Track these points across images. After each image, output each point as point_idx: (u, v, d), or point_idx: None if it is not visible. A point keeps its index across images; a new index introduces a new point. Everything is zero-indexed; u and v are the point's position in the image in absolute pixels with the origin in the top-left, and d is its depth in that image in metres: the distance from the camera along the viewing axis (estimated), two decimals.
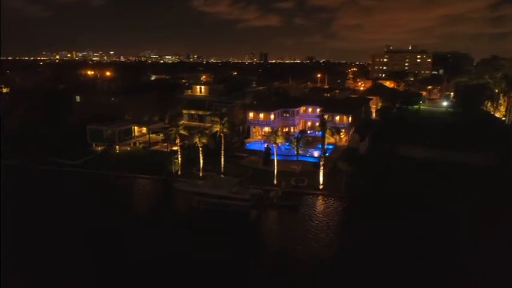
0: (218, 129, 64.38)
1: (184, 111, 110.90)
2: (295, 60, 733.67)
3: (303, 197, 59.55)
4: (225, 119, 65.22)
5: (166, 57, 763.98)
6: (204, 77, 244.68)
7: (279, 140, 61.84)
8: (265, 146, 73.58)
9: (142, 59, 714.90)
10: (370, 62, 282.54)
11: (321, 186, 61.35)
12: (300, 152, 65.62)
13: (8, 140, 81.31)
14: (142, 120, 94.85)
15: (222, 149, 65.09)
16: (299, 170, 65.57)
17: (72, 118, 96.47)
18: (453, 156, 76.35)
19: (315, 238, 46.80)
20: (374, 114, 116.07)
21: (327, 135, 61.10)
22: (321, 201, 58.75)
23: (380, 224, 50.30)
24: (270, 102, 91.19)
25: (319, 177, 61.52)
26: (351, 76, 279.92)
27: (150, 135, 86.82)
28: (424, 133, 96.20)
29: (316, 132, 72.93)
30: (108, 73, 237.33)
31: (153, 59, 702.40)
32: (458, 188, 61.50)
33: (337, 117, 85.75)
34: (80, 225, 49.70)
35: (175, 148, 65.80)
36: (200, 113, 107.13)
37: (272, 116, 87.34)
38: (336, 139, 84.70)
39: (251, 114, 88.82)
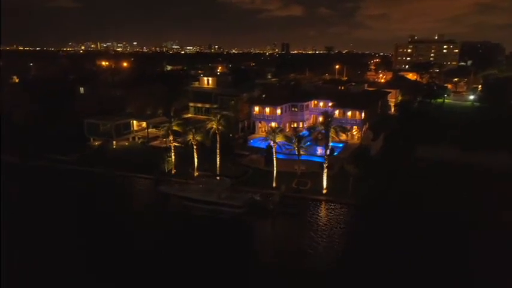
0: (213, 126, 59.11)
1: (191, 104, 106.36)
2: (316, 51, 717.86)
3: (303, 202, 53.80)
4: (219, 115, 59.77)
5: (188, 47, 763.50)
6: (220, 68, 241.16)
7: (279, 139, 56.01)
8: (268, 144, 67.95)
9: (164, 49, 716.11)
10: (393, 53, 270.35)
11: (324, 191, 55.41)
12: (301, 151, 59.83)
13: (10, 134, 78.56)
14: (144, 114, 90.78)
15: (218, 147, 59.92)
16: (300, 172, 59.81)
17: (74, 111, 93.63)
18: (476, 158, 68.56)
19: (308, 256, 41.15)
20: (393, 109, 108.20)
21: (331, 133, 54.54)
22: (323, 208, 52.83)
23: (387, 239, 44.08)
24: (277, 96, 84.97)
25: (322, 180, 55.58)
26: (372, 67, 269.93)
27: (151, 129, 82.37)
28: (446, 130, 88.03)
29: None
30: (124, 63, 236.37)
31: (174, 50, 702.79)
32: (476, 200, 54.18)
33: (349, 113, 78.97)
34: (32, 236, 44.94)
35: (174, 144, 61.10)
36: (207, 106, 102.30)
37: (278, 111, 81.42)
38: (347, 136, 78.46)
39: (256, 109, 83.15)
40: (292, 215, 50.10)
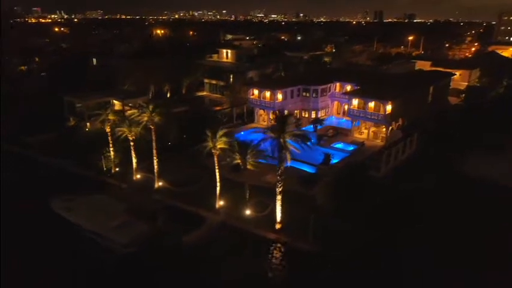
0: (147, 118, 44.20)
1: (206, 81, 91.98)
2: (410, 20, 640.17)
3: (241, 242, 37.08)
4: (151, 106, 44.33)
5: (272, 16, 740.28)
6: (282, 37, 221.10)
7: (220, 145, 39.00)
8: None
9: (248, 17, 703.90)
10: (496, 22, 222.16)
11: (277, 226, 37.81)
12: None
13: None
14: (140, 91, 79.11)
15: (154, 147, 45.18)
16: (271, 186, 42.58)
17: (83, 83, 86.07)
18: None
19: None
20: (461, 97, 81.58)
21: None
22: (262, 257, 35.52)
23: None
24: (279, 77, 66.65)
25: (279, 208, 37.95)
26: (468, 39, 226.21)
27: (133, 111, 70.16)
28: None
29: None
30: (190, 32, 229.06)
31: (259, 18, 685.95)
32: None
33: (371, 104, 57.62)
34: None
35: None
36: (222, 83, 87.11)
37: (279, 96, 63.12)
38: (368, 135, 58.12)
39: (255, 92, 65.78)
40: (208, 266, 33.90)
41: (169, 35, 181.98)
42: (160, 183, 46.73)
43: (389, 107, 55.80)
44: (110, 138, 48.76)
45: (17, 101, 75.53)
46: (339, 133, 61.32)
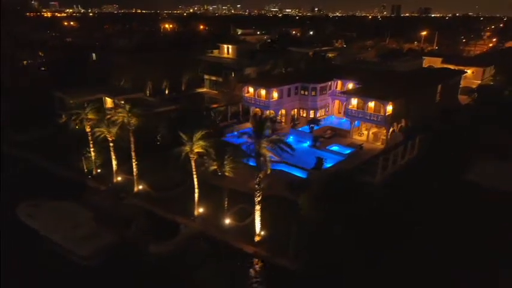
0: (121, 119, 41.56)
1: (206, 77, 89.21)
2: (425, 14, 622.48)
3: (216, 254, 34.30)
4: (127, 106, 41.60)
5: (287, 10, 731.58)
6: (294, 32, 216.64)
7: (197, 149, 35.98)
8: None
9: (263, 12, 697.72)
10: None
11: (256, 238, 34.82)
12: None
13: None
14: (136, 87, 76.78)
15: (132, 149, 42.62)
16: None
17: (81, 78, 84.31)
18: None
19: None
20: (472, 96, 76.80)
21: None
22: (237, 271, 32.66)
23: None
24: (279, 74, 63.49)
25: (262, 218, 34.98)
26: (487, 34, 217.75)
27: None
28: None
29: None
30: (202, 26, 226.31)
31: (273, 12, 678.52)
32: None
33: (371, 104, 53.90)
34: None
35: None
36: (221, 80, 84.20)
37: (275, 94, 59.86)
38: (368, 136, 54.61)
39: (250, 90, 62.66)
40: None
41: (178, 30, 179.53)
42: (140, 187, 44.23)
43: (390, 108, 52.06)
44: (90, 138, 46.34)
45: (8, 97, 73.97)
46: (337, 134, 57.84)
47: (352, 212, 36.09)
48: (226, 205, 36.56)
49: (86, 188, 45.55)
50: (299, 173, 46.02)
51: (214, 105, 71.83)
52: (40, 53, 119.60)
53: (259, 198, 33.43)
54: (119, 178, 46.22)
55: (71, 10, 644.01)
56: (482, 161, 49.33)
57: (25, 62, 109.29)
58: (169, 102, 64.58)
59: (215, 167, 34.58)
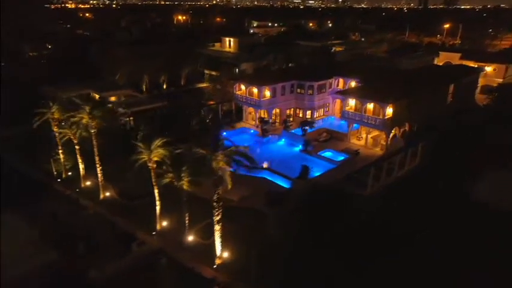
0: (85, 121, 37.99)
1: (206, 72, 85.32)
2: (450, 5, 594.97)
3: (166, 276, 30.44)
4: (88, 107, 37.85)
5: (310, 1, 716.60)
6: (311, 24, 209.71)
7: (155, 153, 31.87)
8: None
9: (285, 3, 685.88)
10: None
11: (217, 261, 30.63)
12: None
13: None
14: (131, 82, 73.69)
15: (96, 153, 39.11)
16: (236, 203, 35.27)
17: (79, 72, 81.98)
18: None
19: None
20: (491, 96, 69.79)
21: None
22: None
23: None
24: (277, 70, 58.99)
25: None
26: None
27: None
28: None
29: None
30: (218, 18, 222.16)
31: (296, 4, 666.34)
32: None
33: (370, 106, 48.57)
34: None
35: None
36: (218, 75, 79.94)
37: (267, 93, 55.26)
38: (366, 141, 49.52)
39: (242, 87, 58.21)
40: None
41: (190, 21, 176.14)
42: (107, 194, 40.82)
43: (389, 110, 46.63)
44: (57, 139, 43.10)
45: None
46: (334, 138, 52.82)
47: (332, 230, 31.64)
48: (187, 220, 32.42)
49: (51, 192, 42.41)
50: (283, 182, 41.57)
51: (211, 102, 68.00)
52: (48, 45, 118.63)
53: (218, 217, 29.16)
54: (88, 183, 42.93)
55: (95, 1, 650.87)
56: (493, 173, 43.47)
57: (31, 54, 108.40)
58: (157, 99, 60.83)
59: (169, 179, 30.33)
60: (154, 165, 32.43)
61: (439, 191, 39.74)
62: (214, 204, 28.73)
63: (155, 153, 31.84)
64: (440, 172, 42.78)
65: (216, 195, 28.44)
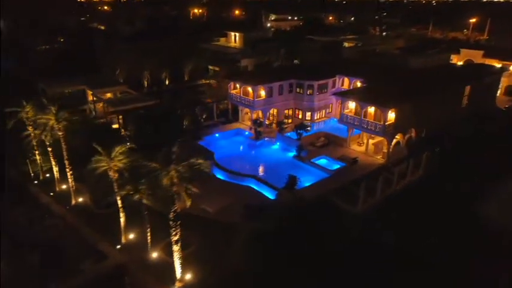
0: (51, 123, 35.44)
1: (210, 68, 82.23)
2: None
3: None
4: (54, 108, 35.14)
5: None
6: (331, 18, 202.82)
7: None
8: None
9: None
10: None
11: (177, 284, 27.54)
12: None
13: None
14: (130, 78, 71.45)
15: (65, 157, 36.62)
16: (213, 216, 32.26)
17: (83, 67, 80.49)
18: None
19: None
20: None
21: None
22: None
23: None
24: (278, 68, 55.44)
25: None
26: None
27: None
28: None
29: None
30: (237, 11, 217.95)
31: None
32: None
33: (371, 109, 44.24)
34: None
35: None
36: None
37: (262, 92, 51.63)
38: (367, 147, 45.43)
39: (237, 86, 54.73)
40: None
41: (206, 14, 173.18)
42: (80, 199, 38.42)
43: (392, 115, 42.21)
44: (32, 139, 40.88)
45: None
46: (333, 142, 48.74)
47: (307, 250, 28.13)
48: (149, 235, 29.46)
49: (28, 194, 40.38)
50: (268, 193, 38.09)
51: (209, 100, 64.99)
52: (61, 39, 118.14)
53: (175, 237, 25.99)
54: (64, 186, 40.61)
55: None
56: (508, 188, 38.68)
57: (42, 48, 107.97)
58: (149, 97, 58.09)
59: (126, 192, 27.34)
60: (116, 175, 29.51)
61: (442, 205, 35.40)
62: (171, 223, 25.56)
63: (115, 162, 28.90)
64: (445, 186, 38.23)
65: (172, 213, 25.24)
